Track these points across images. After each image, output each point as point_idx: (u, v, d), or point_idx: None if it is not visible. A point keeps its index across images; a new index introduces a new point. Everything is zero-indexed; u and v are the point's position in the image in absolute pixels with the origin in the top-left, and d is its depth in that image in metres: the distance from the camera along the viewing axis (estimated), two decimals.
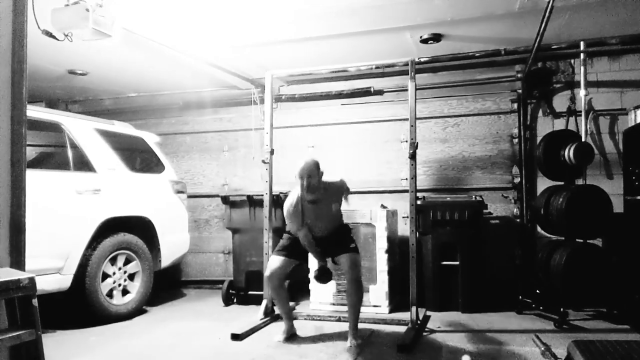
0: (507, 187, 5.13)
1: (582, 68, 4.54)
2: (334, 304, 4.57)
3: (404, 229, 4.91)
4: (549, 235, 4.63)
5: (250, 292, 4.94)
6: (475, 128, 5.27)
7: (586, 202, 4.08)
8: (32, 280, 2.01)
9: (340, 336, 3.75)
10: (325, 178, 3.59)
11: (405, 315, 4.03)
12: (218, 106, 6.24)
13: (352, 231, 3.86)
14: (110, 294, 4.27)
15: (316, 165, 3.55)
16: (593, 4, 3.79)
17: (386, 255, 4.51)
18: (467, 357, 3.17)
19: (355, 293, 3.49)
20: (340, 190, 3.73)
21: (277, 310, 3.96)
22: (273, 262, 3.64)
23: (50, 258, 3.77)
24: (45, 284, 3.63)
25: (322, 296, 4.64)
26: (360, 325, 4.08)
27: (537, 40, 4.05)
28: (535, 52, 4.38)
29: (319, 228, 3.63)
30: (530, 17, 3.96)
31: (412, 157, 3.94)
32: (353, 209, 4.63)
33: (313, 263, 4.14)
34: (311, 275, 4.14)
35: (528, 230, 4.97)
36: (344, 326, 4.07)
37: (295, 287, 4.75)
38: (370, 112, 5.57)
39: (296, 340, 3.63)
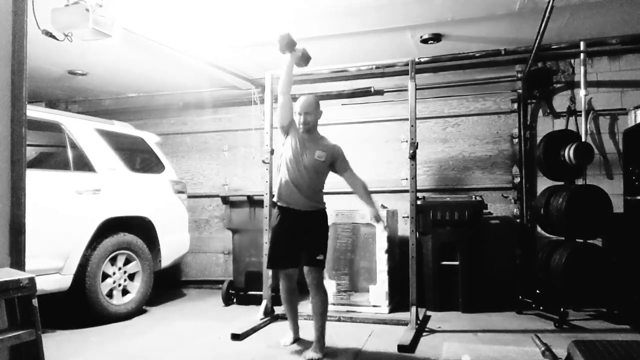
0: (507, 187, 5.13)
1: (582, 68, 4.54)
2: (334, 304, 4.57)
3: (404, 229, 4.91)
4: (549, 235, 4.62)
5: (250, 292, 4.94)
6: (476, 128, 5.27)
7: (586, 202, 4.08)
8: (32, 280, 2.01)
9: (339, 336, 3.76)
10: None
11: (405, 315, 4.03)
12: (218, 106, 6.24)
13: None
14: (110, 294, 4.27)
15: (316, 101, 3.42)
16: (593, 4, 3.79)
17: (386, 255, 4.51)
18: (467, 357, 3.17)
19: (320, 303, 3.31)
20: (333, 150, 3.41)
21: (286, 316, 3.73)
22: (282, 276, 3.51)
23: (50, 258, 3.77)
24: (45, 284, 3.63)
25: None
26: (360, 325, 4.10)
27: (537, 40, 4.05)
28: (536, 52, 4.38)
29: (299, 183, 3.32)
30: (531, 17, 3.96)
31: (412, 157, 3.94)
32: (353, 209, 4.63)
33: None
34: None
35: (528, 230, 4.97)
36: (344, 326, 4.08)
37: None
38: (370, 112, 5.57)
39: (297, 340, 3.62)
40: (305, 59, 3.57)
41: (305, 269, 3.34)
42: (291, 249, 3.37)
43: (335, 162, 3.42)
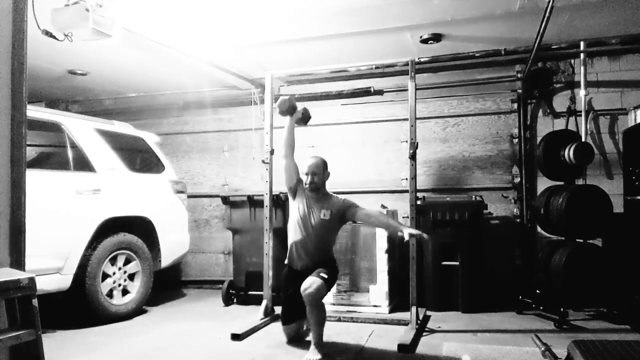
0: (507, 187, 5.13)
1: (582, 68, 4.54)
2: (333, 304, 4.57)
3: None
4: (549, 235, 4.62)
5: (250, 292, 4.94)
6: (476, 128, 5.27)
7: (586, 202, 4.08)
8: (32, 280, 2.01)
9: (339, 336, 3.76)
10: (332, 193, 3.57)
11: (405, 315, 4.03)
12: (218, 106, 6.24)
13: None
14: (110, 294, 4.27)
15: (323, 163, 3.53)
16: (593, 4, 3.79)
17: (386, 256, 4.51)
18: (467, 357, 3.17)
19: (316, 315, 3.23)
20: (339, 205, 3.45)
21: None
22: (290, 330, 3.56)
23: (50, 258, 3.77)
24: (45, 284, 3.63)
25: None
26: (360, 325, 4.10)
27: (537, 40, 4.05)
28: (536, 52, 4.37)
29: (307, 246, 3.42)
30: (531, 17, 3.95)
31: (412, 157, 3.94)
32: None
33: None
34: None
35: (528, 230, 4.97)
36: (344, 326, 4.08)
37: None
38: (370, 112, 5.57)
39: (297, 340, 3.62)
40: (305, 119, 3.73)
41: (304, 284, 3.20)
42: (300, 303, 3.29)
43: (345, 213, 3.46)
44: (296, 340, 3.58)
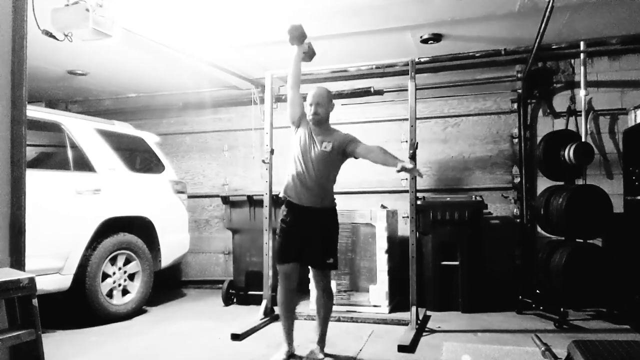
0: (507, 187, 5.13)
1: (582, 68, 4.54)
2: (334, 304, 4.55)
3: (404, 229, 4.91)
4: (549, 235, 4.62)
5: (250, 292, 4.94)
6: (476, 128, 5.27)
7: (586, 202, 4.08)
8: (32, 280, 2.01)
9: (339, 336, 3.76)
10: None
11: (405, 315, 4.03)
12: (218, 106, 6.24)
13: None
14: (110, 294, 4.27)
15: (328, 93, 3.38)
16: (593, 4, 3.79)
17: (386, 255, 4.51)
18: (467, 357, 3.17)
19: (326, 306, 3.24)
20: (341, 138, 3.30)
21: (282, 323, 3.43)
22: (285, 270, 3.29)
23: (50, 258, 3.77)
24: (45, 284, 3.63)
25: None
26: (360, 325, 4.10)
27: (537, 40, 4.05)
28: (536, 52, 4.37)
29: (306, 178, 3.21)
30: (531, 17, 3.95)
31: (412, 157, 3.93)
32: (353, 209, 4.63)
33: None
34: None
35: (528, 230, 4.97)
36: (344, 326, 4.08)
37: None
38: (370, 112, 5.57)
39: (296, 341, 3.59)
40: (310, 54, 3.57)
41: (313, 271, 3.29)
42: (299, 244, 3.22)
43: (346, 147, 3.27)
44: (291, 278, 3.29)
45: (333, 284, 4.56)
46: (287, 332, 3.32)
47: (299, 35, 3.39)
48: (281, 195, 3.34)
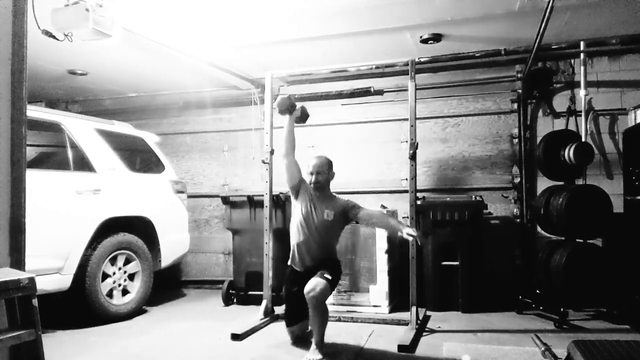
0: (507, 187, 5.13)
1: (582, 68, 4.54)
2: (333, 304, 4.56)
3: None
4: (549, 235, 4.62)
5: (250, 292, 4.94)
6: (476, 128, 5.27)
7: (586, 202, 4.08)
8: (32, 280, 2.00)
9: (339, 336, 3.76)
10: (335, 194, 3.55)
11: (405, 315, 4.03)
12: (218, 106, 6.24)
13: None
14: (110, 294, 4.27)
15: (328, 163, 3.52)
16: (593, 4, 3.79)
17: (386, 256, 4.51)
18: (467, 357, 3.17)
19: (319, 316, 3.22)
20: (342, 205, 3.44)
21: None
22: (295, 330, 3.56)
23: (50, 258, 3.77)
24: (45, 284, 3.63)
25: None
26: (361, 325, 4.10)
27: (537, 40, 4.05)
28: (536, 52, 4.37)
29: (310, 246, 3.41)
30: (531, 17, 3.95)
31: (412, 157, 3.94)
32: None
33: None
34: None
35: (528, 230, 4.97)
36: (344, 326, 4.08)
37: None
38: (370, 112, 5.57)
39: (302, 340, 3.60)
40: (304, 118, 3.72)
41: (308, 286, 3.19)
42: (303, 305, 3.28)
43: (348, 213, 3.44)
44: (301, 340, 3.56)
45: None
46: None
47: (288, 106, 3.57)
48: (289, 263, 3.57)
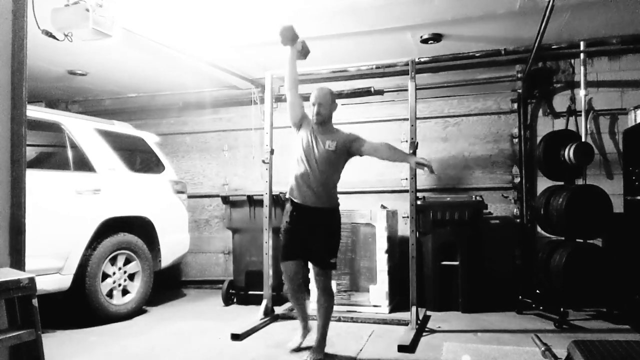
0: (507, 187, 5.13)
1: (582, 68, 4.54)
2: (334, 304, 4.56)
3: (404, 229, 4.91)
4: (549, 235, 4.62)
5: (250, 292, 4.94)
6: (476, 128, 5.27)
7: (586, 202, 4.08)
8: (32, 280, 2.01)
9: (339, 336, 3.76)
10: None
11: (405, 315, 4.03)
12: (218, 106, 6.24)
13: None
14: (110, 294, 4.27)
15: (331, 93, 3.34)
16: (593, 4, 3.79)
17: (386, 255, 4.51)
18: (467, 357, 3.17)
19: (326, 306, 3.25)
20: (345, 137, 3.30)
21: (295, 313, 3.65)
22: (288, 268, 3.35)
23: (50, 258, 3.77)
24: (45, 284, 3.63)
25: None
26: (361, 325, 4.10)
27: (538, 40, 4.05)
28: (536, 52, 4.37)
29: (310, 179, 3.22)
30: (531, 16, 3.95)
31: None
32: (353, 209, 4.63)
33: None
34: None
35: (528, 230, 4.97)
36: (344, 326, 4.08)
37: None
38: (370, 112, 5.57)
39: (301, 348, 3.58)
40: (304, 53, 3.53)
41: (314, 269, 3.31)
42: (302, 243, 3.26)
43: (351, 145, 3.27)
44: (294, 276, 3.37)
45: (333, 284, 4.55)
46: (300, 316, 3.54)
47: (291, 36, 3.37)
48: (287, 196, 3.38)
